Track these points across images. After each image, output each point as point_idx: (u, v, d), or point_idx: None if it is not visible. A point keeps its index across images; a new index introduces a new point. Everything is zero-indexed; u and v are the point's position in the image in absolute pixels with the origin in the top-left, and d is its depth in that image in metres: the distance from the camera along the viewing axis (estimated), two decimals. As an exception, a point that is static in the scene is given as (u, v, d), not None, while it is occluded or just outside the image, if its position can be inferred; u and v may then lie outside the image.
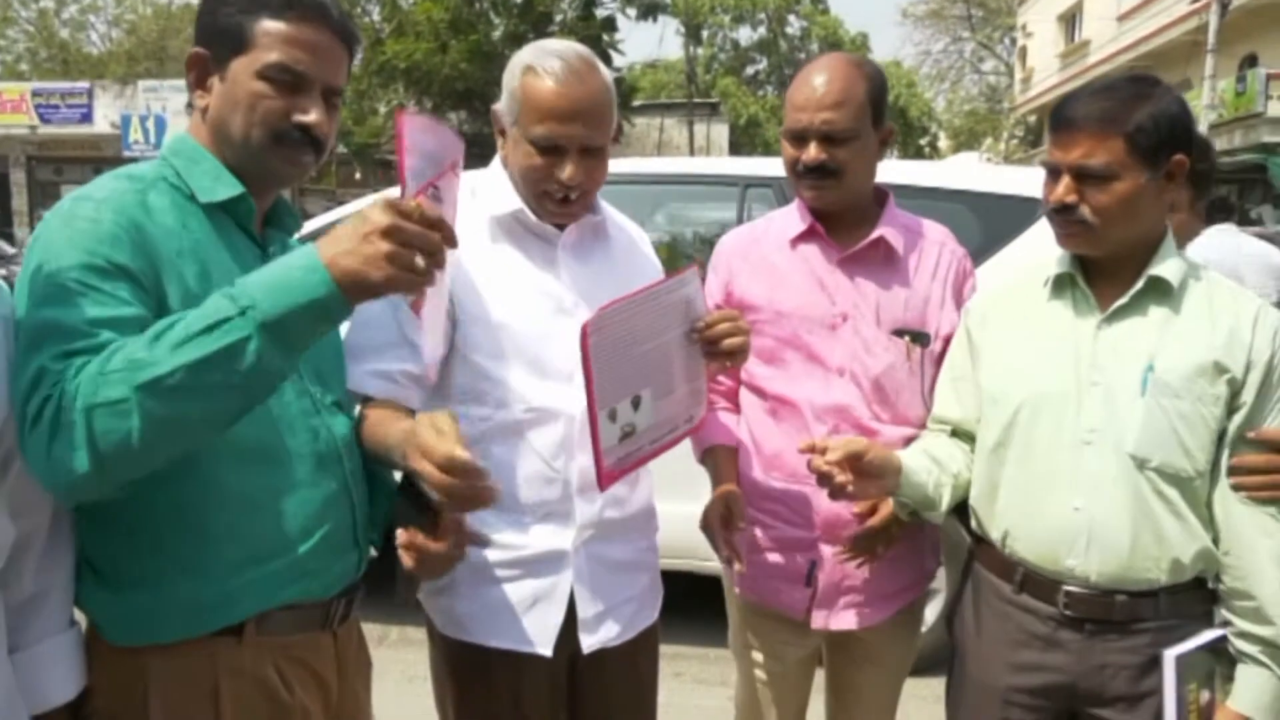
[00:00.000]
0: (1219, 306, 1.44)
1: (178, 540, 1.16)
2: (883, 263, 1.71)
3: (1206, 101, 15.54)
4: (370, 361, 1.43)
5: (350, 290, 0.98)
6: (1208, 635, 1.42)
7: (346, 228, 0.98)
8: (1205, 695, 1.34)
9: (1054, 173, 1.46)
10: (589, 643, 1.51)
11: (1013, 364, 1.54)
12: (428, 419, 1.16)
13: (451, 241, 1.03)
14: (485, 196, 1.52)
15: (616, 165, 1.76)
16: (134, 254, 1.09)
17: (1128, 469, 1.42)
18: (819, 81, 1.63)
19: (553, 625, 1.49)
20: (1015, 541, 1.51)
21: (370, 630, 1.50)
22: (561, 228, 1.53)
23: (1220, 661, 1.42)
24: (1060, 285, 1.53)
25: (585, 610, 1.51)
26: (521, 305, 1.48)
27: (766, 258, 1.76)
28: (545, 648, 1.48)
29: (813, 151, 1.63)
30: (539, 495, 1.49)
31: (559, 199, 1.47)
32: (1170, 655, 1.37)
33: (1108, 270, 1.49)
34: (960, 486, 1.61)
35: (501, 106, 1.50)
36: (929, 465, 1.57)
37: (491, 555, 1.48)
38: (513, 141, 1.48)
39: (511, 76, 1.47)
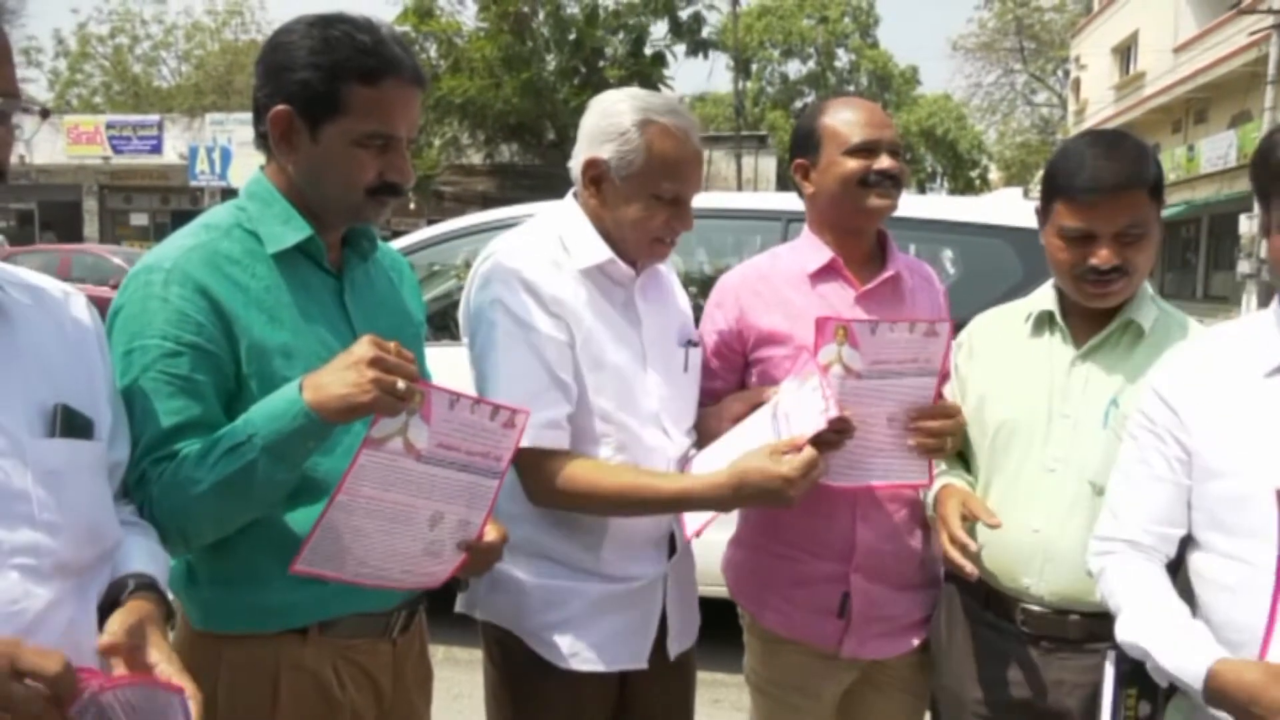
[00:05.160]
0: None
1: (250, 553, 1.29)
2: (892, 298, 1.77)
3: (1267, 134, 15.20)
4: (535, 410, 1.40)
5: (337, 414, 1.14)
6: None
7: (338, 359, 1.16)
8: (1145, 708, 1.35)
9: (1085, 238, 1.46)
10: (675, 650, 1.68)
11: (992, 393, 1.62)
12: None
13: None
14: (574, 250, 1.57)
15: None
16: (201, 324, 1.23)
17: (1085, 495, 1.48)
18: (870, 105, 1.75)
19: (651, 640, 1.63)
20: (982, 560, 1.56)
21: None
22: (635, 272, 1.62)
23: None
24: (1040, 323, 1.61)
25: (674, 623, 1.66)
26: (621, 351, 1.57)
27: (779, 292, 1.76)
28: (644, 661, 1.62)
29: (887, 160, 1.69)
30: (657, 527, 1.63)
31: (668, 243, 1.60)
32: (1111, 653, 1.40)
33: (1087, 310, 1.55)
34: None
35: (608, 159, 1.53)
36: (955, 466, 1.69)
37: (613, 588, 1.59)
38: (622, 195, 1.54)
39: (626, 130, 1.51)
